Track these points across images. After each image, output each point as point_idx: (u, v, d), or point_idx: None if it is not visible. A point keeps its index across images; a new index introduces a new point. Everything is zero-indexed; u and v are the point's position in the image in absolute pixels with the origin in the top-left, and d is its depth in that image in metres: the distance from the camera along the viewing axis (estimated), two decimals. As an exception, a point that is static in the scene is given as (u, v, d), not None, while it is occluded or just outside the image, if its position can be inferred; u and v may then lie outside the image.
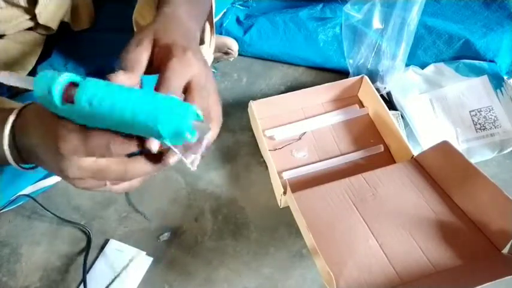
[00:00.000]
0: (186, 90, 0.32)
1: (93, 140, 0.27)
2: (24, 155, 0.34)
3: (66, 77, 0.27)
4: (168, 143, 0.27)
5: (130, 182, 0.32)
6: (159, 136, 0.27)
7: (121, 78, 0.29)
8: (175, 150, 0.28)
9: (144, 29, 0.35)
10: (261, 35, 0.87)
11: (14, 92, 0.63)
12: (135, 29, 0.51)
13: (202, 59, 0.35)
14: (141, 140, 0.29)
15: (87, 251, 0.65)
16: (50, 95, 0.27)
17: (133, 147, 0.29)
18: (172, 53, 0.32)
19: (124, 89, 0.27)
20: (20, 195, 0.64)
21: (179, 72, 0.31)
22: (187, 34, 0.38)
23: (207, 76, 0.34)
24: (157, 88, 0.30)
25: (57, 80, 0.27)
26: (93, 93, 0.26)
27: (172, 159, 0.30)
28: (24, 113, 0.33)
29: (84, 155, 0.28)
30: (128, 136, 0.28)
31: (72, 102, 0.27)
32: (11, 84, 0.30)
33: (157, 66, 0.33)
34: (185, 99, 0.32)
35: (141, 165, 0.29)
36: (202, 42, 0.55)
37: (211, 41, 0.57)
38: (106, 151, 0.28)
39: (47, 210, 0.67)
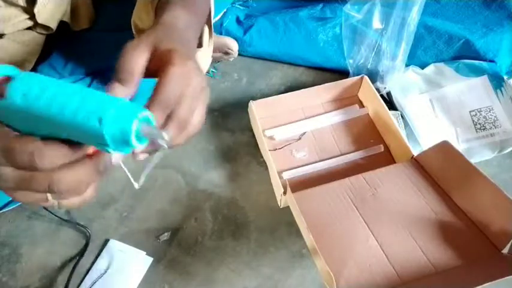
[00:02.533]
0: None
1: (16, 150, 0.24)
2: None
3: (2, 70, 0.24)
4: (112, 151, 0.24)
5: (81, 196, 0.28)
6: (101, 140, 0.23)
7: (117, 90, 0.28)
8: (124, 167, 0.25)
9: (143, 35, 0.34)
10: (261, 35, 0.87)
11: None
12: (134, 32, 0.51)
13: (201, 71, 0.34)
14: (74, 147, 0.25)
15: (84, 251, 0.65)
16: None
17: (66, 156, 0.25)
18: (173, 60, 0.31)
19: (67, 84, 0.24)
20: None
21: (179, 81, 0.30)
22: (187, 44, 0.37)
23: (202, 89, 0.33)
24: (154, 94, 0.29)
25: None
26: (30, 85, 0.23)
27: (114, 160, 0.26)
28: None
29: (6, 165, 0.25)
30: (58, 143, 0.25)
31: (2, 95, 0.23)
32: None
33: (155, 71, 0.31)
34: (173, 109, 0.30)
35: (70, 174, 0.25)
36: (200, 45, 0.55)
37: (209, 44, 0.56)
38: (29, 161, 0.24)
39: (47, 211, 0.67)
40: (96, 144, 0.24)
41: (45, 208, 0.67)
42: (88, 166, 0.26)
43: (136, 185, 0.27)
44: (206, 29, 0.54)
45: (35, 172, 0.25)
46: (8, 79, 0.24)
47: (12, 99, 0.23)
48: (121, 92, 0.29)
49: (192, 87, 0.31)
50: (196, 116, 0.33)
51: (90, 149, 0.26)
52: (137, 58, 0.31)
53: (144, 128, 0.23)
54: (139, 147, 0.24)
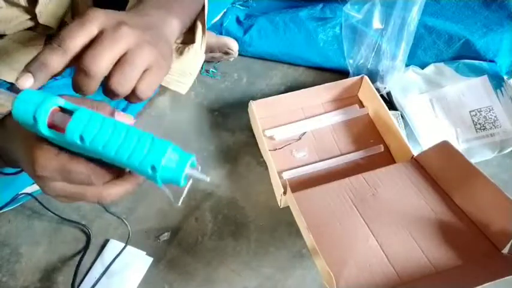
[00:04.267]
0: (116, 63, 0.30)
1: (73, 173, 0.27)
2: (5, 158, 0.34)
3: (52, 103, 0.26)
4: (159, 185, 0.27)
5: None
6: (151, 179, 0.27)
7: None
8: (166, 190, 0.28)
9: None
10: (261, 35, 0.87)
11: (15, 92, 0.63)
12: None
13: (152, 33, 0.33)
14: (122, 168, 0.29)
15: (85, 251, 0.65)
16: (35, 122, 0.26)
17: (114, 174, 0.29)
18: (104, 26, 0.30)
19: (120, 127, 0.26)
20: (21, 194, 0.64)
21: (74, 28, 0.29)
22: (146, 19, 0.36)
23: (118, 26, 0.30)
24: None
25: (44, 107, 0.25)
26: (86, 127, 0.25)
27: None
28: (7, 122, 0.32)
29: (61, 181, 0.28)
30: (109, 164, 0.28)
31: (60, 130, 0.26)
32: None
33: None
34: (109, 75, 0.30)
35: (117, 189, 0.29)
36: (193, 41, 0.55)
37: (202, 41, 0.57)
38: (85, 181, 0.28)
39: (48, 210, 0.67)
40: (146, 177, 0.28)
41: (45, 207, 0.67)
42: (131, 182, 0.29)
43: (177, 204, 0.30)
44: (199, 26, 0.54)
45: (85, 190, 0.28)
46: (59, 110, 0.27)
47: (70, 138, 0.26)
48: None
49: (130, 49, 0.30)
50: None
51: None
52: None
53: (190, 173, 0.27)
54: (183, 185, 0.28)
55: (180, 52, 0.57)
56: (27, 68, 0.27)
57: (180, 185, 0.27)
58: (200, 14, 0.52)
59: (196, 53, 0.57)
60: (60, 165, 0.27)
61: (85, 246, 0.66)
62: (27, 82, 0.27)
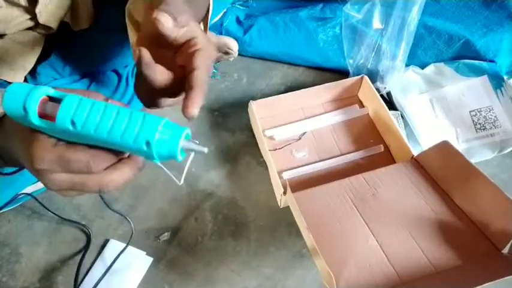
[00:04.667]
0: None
1: (71, 162, 0.27)
2: (6, 158, 0.34)
3: (41, 92, 0.26)
4: (157, 162, 0.27)
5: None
6: (149, 156, 0.27)
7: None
8: (164, 168, 0.28)
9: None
10: (261, 35, 0.87)
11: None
12: (127, 20, 0.50)
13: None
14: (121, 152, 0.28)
15: (85, 251, 0.65)
16: (26, 112, 0.26)
17: (113, 160, 0.28)
18: (197, 45, 0.32)
19: (110, 108, 0.26)
20: (20, 193, 0.64)
21: (207, 64, 0.32)
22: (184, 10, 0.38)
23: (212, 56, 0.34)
24: (189, 84, 0.30)
25: (34, 97, 0.26)
26: (76, 111, 0.25)
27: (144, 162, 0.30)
28: (5, 121, 0.33)
29: (61, 172, 0.28)
30: (107, 149, 0.28)
31: (51, 119, 0.26)
32: None
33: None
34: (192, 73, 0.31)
35: (117, 174, 0.29)
36: None
37: None
38: (85, 169, 0.27)
39: (48, 210, 0.67)
40: (143, 156, 0.28)
41: (45, 207, 0.67)
42: (131, 166, 0.29)
43: (179, 182, 0.30)
44: (201, 26, 0.54)
45: (86, 179, 0.28)
46: (49, 99, 0.27)
47: (62, 125, 0.26)
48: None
49: (210, 60, 0.33)
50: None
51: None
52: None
53: (186, 146, 0.27)
54: (181, 158, 0.27)
55: None
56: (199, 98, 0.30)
57: (177, 158, 0.27)
58: (205, 16, 0.52)
59: None
60: (58, 156, 0.27)
61: (85, 246, 0.66)
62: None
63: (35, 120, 0.26)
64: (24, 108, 0.26)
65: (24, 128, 0.28)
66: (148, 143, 0.26)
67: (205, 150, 0.27)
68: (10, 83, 0.65)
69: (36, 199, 0.66)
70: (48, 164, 0.27)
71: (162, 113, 0.36)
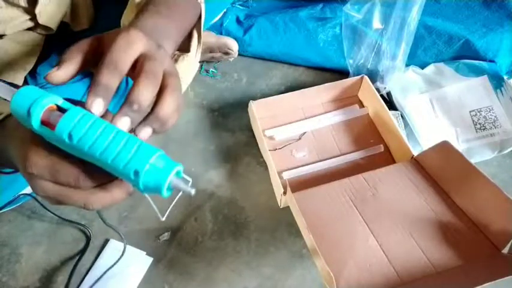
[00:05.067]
0: (135, 68, 0.30)
1: (61, 173, 0.27)
2: (3, 160, 0.35)
3: (49, 100, 0.27)
4: (142, 193, 0.27)
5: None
6: (135, 186, 0.26)
7: (55, 73, 0.29)
8: (149, 199, 0.28)
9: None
10: (261, 35, 0.87)
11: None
12: None
13: (156, 40, 0.33)
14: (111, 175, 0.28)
15: (84, 250, 0.65)
16: (29, 116, 0.26)
17: (104, 180, 0.28)
18: (115, 33, 0.31)
19: (109, 129, 0.26)
20: (21, 194, 0.64)
21: (123, 48, 0.29)
22: (151, 30, 0.38)
23: (157, 50, 0.32)
24: (99, 67, 0.29)
25: (40, 103, 0.26)
26: (76, 126, 0.25)
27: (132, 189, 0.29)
28: (7, 121, 0.33)
29: (49, 181, 0.28)
30: (100, 168, 0.27)
31: (51, 128, 0.26)
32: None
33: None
34: (134, 78, 0.30)
35: (104, 195, 0.28)
36: (188, 50, 0.55)
37: (197, 50, 0.56)
38: (72, 183, 0.27)
39: (48, 210, 0.67)
40: (130, 183, 0.27)
41: (45, 208, 0.67)
42: (121, 189, 0.29)
43: (162, 218, 0.29)
44: (195, 34, 0.54)
45: (72, 193, 0.28)
46: (56, 108, 0.27)
47: (59, 135, 0.26)
48: (61, 74, 0.29)
49: (143, 52, 0.31)
50: (167, 78, 0.32)
51: None
52: (78, 46, 0.33)
53: (174, 183, 0.26)
54: (166, 195, 0.26)
55: (175, 60, 0.57)
56: (95, 93, 0.28)
57: (162, 194, 0.26)
58: (197, 23, 0.52)
59: (189, 63, 0.57)
60: (50, 164, 0.27)
61: (85, 246, 0.66)
62: (100, 107, 0.28)
63: (35, 125, 0.26)
64: (29, 112, 0.26)
65: (25, 130, 0.28)
66: (136, 172, 0.25)
67: (193, 192, 0.26)
68: (10, 83, 0.65)
69: (36, 199, 0.66)
70: (38, 170, 0.27)
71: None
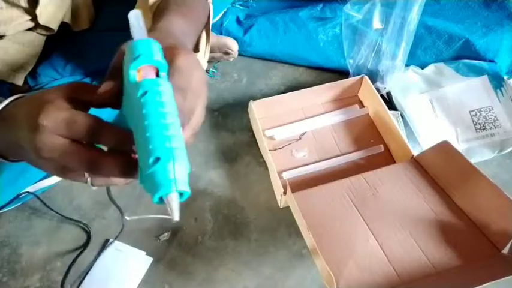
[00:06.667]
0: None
1: (78, 123, 0.27)
2: (4, 153, 0.34)
3: (157, 63, 0.27)
4: (140, 182, 0.26)
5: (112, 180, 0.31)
6: (141, 168, 0.26)
7: (101, 88, 0.29)
8: (166, 200, 0.27)
9: None
10: (261, 35, 0.87)
11: (16, 92, 0.63)
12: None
13: (202, 67, 0.34)
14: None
15: (84, 248, 0.65)
16: (135, 60, 0.27)
17: (117, 138, 0.27)
18: (178, 50, 0.31)
19: (172, 116, 0.26)
20: (21, 193, 0.64)
21: (188, 70, 0.31)
22: (178, 32, 0.38)
23: (204, 84, 0.33)
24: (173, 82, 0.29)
25: (151, 58, 0.27)
26: (154, 91, 0.26)
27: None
28: (5, 113, 0.32)
29: (61, 134, 0.27)
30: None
31: (139, 77, 0.27)
32: (136, 24, 0.29)
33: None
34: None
35: (111, 161, 0.27)
36: (197, 50, 0.55)
37: (206, 50, 0.57)
38: (85, 133, 0.27)
39: (50, 208, 0.67)
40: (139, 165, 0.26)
41: (47, 206, 0.67)
42: (134, 167, 0.28)
43: (175, 218, 0.27)
44: (204, 34, 0.54)
45: (82, 148, 0.27)
46: (155, 69, 0.28)
47: (139, 87, 0.26)
48: (105, 88, 0.29)
49: (195, 80, 0.32)
50: (199, 111, 0.33)
51: None
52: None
53: (169, 201, 0.26)
54: (154, 200, 0.25)
55: None
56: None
57: (153, 197, 0.25)
58: (206, 23, 0.52)
59: (199, 60, 0.57)
60: (68, 115, 0.27)
61: (85, 243, 0.66)
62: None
63: (134, 67, 0.27)
64: (136, 57, 0.27)
65: (39, 96, 0.28)
66: (157, 159, 0.24)
67: (176, 219, 0.26)
68: (10, 83, 0.65)
69: (38, 197, 0.66)
70: (53, 121, 0.27)
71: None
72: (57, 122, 0.27)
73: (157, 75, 0.28)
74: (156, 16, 0.42)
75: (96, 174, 0.29)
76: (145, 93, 0.26)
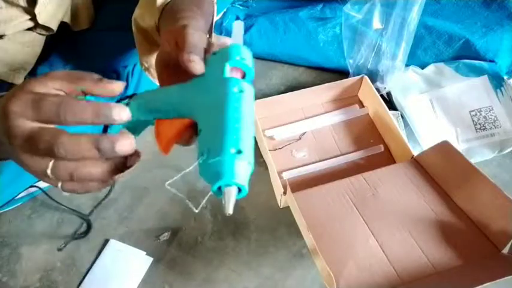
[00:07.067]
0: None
1: (44, 100, 0.26)
2: None
3: (248, 65, 0.31)
4: (199, 163, 0.27)
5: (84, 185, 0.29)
6: (212, 154, 0.26)
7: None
8: (182, 195, 0.28)
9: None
10: (261, 35, 0.87)
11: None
12: (134, 29, 0.51)
13: None
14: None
15: (85, 234, 0.65)
16: (229, 59, 0.31)
17: (82, 115, 0.27)
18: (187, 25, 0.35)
19: (250, 115, 0.29)
20: (21, 193, 0.64)
21: (199, 35, 0.35)
22: None
23: None
24: (181, 48, 0.32)
25: (244, 65, 0.31)
26: (246, 91, 0.29)
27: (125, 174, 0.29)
28: None
29: (30, 117, 0.27)
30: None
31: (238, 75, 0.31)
32: (238, 32, 0.37)
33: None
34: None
35: (85, 142, 0.26)
36: None
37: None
38: (53, 112, 0.26)
39: (56, 202, 0.67)
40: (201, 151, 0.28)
41: (52, 199, 0.67)
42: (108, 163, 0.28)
43: (195, 210, 0.29)
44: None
45: (49, 128, 0.27)
46: (240, 71, 0.32)
47: (226, 81, 0.30)
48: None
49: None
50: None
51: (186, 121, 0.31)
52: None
53: (227, 192, 0.25)
54: (213, 189, 0.26)
55: None
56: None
57: (212, 186, 0.25)
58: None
59: None
60: (36, 96, 0.27)
61: (85, 232, 0.66)
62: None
63: (232, 63, 0.31)
64: (236, 57, 0.31)
65: (21, 86, 0.28)
66: (239, 152, 0.26)
67: (230, 212, 0.25)
68: (10, 83, 0.65)
69: (45, 192, 0.66)
70: (19, 104, 0.26)
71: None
72: (23, 104, 0.26)
73: (243, 77, 0.32)
74: (167, 14, 0.42)
75: (68, 158, 0.27)
76: (242, 91, 0.29)
